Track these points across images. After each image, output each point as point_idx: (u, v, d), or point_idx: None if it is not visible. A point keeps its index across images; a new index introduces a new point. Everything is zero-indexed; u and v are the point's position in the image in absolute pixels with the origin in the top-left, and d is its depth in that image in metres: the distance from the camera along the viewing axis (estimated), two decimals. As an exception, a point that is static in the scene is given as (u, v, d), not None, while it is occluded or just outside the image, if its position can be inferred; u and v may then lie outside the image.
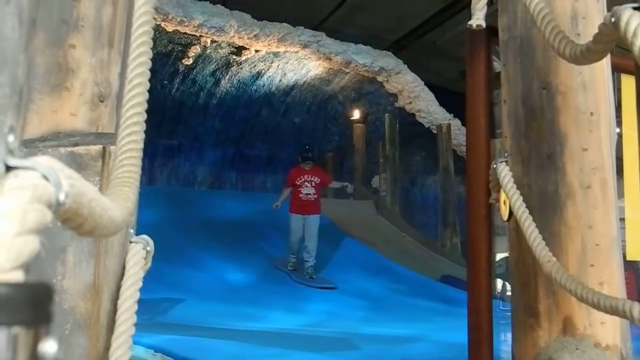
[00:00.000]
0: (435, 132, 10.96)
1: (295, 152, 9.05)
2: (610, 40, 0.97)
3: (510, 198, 1.52)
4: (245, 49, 9.97)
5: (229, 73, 10.58)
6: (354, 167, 11.83)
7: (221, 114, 11.22)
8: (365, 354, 4.10)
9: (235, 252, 7.32)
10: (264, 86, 11.15)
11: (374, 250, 8.50)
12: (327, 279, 7.17)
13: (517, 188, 1.54)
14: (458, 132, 10.62)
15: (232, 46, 9.86)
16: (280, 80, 11.12)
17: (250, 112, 11.50)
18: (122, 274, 0.99)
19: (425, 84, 11.38)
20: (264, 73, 10.82)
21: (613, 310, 1.10)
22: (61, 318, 0.92)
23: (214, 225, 8.00)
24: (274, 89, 11.27)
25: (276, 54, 10.33)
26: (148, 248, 1.04)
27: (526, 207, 1.48)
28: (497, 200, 1.63)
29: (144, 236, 1.05)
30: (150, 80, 0.88)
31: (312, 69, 10.98)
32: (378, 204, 10.61)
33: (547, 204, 1.53)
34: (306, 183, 7.25)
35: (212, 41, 9.64)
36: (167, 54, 9.63)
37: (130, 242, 1.02)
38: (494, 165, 1.64)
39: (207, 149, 11.48)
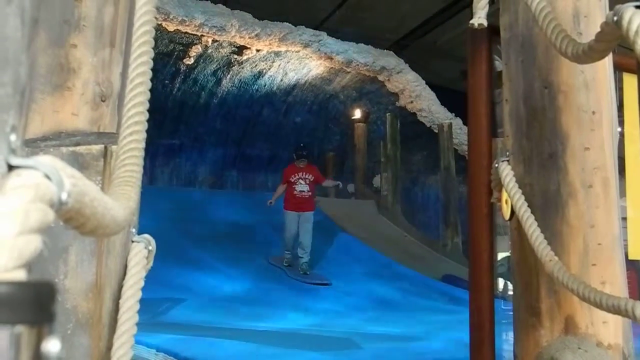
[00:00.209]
0: (436, 131, 10.93)
1: (295, 152, 9.08)
2: (612, 39, 0.97)
3: (512, 197, 1.52)
4: (247, 48, 9.97)
5: (230, 73, 10.58)
6: (355, 166, 11.82)
7: (222, 114, 11.22)
8: (370, 353, 4.10)
9: (236, 252, 7.33)
10: (265, 86, 11.15)
11: (376, 250, 8.50)
12: (321, 275, 7.19)
13: (519, 187, 1.54)
14: (459, 131, 10.59)
15: (234, 46, 9.86)
16: (281, 80, 11.11)
17: (251, 112, 11.49)
18: (124, 274, 0.99)
19: (427, 83, 11.38)
20: (265, 73, 10.82)
21: (615, 310, 1.10)
22: (63, 317, 0.92)
23: (215, 225, 8.01)
24: (275, 88, 11.27)
25: (277, 54, 10.33)
26: (150, 247, 1.04)
27: (528, 206, 1.48)
28: (499, 199, 1.63)
29: (146, 235, 1.05)
30: (151, 80, 0.88)
31: (313, 68, 10.97)
32: (379, 204, 10.61)
33: (548, 203, 1.52)
34: (300, 180, 7.29)
35: (214, 41, 9.64)
36: (168, 53, 9.63)
37: (132, 241, 1.02)
38: (496, 165, 1.64)
39: (208, 148, 11.48)
